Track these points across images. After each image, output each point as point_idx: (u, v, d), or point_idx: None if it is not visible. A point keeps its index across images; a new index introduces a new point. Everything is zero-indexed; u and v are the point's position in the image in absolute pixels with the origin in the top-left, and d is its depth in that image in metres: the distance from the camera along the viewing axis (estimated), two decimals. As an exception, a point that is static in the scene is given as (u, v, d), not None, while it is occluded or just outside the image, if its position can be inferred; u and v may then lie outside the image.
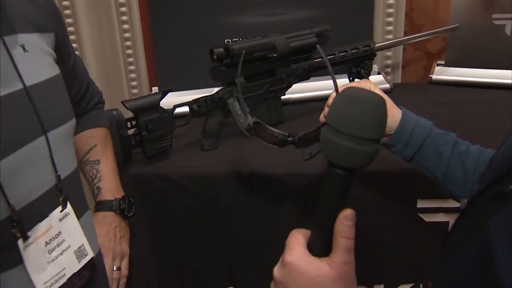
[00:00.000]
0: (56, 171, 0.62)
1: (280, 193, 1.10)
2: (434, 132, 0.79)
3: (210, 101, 1.16)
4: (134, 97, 1.12)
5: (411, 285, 1.17)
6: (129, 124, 1.09)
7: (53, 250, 0.61)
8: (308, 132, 0.66)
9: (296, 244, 0.48)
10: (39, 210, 0.60)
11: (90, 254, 0.68)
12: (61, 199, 0.63)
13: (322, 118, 0.87)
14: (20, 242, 0.56)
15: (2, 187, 0.54)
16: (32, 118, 0.60)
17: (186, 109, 1.15)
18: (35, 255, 0.58)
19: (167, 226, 1.14)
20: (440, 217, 1.08)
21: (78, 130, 0.92)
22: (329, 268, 0.45)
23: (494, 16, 1.48)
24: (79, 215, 0.68)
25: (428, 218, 1.08)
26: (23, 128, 0.59)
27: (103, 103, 1.05)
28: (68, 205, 0.65)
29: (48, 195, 0.61)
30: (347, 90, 0.44)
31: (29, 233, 0.58)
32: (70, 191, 0.66)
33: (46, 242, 0.60)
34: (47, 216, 0.61)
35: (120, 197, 0.94)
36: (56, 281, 0.61)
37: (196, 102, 1.15)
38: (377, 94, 0.44)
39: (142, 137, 1.09)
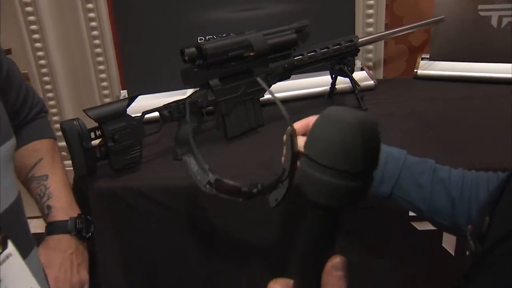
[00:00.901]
0: None
1: (264, 203, 1.01)
2: (409, 162, 0.71)
3: (182, 106, 1.07)
4: (98, 105, 1.01)
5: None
6: (93, 135, 0.98)
7: None
8: (273, 180, 0.56)
9: None
10: None
11: None
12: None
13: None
14: None
15: None
16: None
17: (156, 114, 1.06)
18: None
19: (139, 245, 1.05)
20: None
21: (20, 143, 0.84)
22: None
23: (479, 7, 1.42)
24: (24, 254, 0.58)
25: (420, 226, 1.01)
26: None
27: (46, 112, 0.97)
28: (10, 244, 0.55)
29: None
30: (331, 110, 0.37)
31: None
32: (12, 225, 0.57)
33: None
34: None
35: (76, 215, 0.85)
36: None
37: (167, 108, 1.05)
38: (368, 115, 0.36)
39: (108, 148, 0.99)
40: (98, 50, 1.56)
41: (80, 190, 1.02)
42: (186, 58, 1.05)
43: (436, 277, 1.05)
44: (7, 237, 0.55)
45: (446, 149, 1.05)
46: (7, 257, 0.55)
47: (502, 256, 0.37)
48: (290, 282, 0.43)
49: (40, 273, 0.63)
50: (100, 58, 1.58)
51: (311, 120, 0.66)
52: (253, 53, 1.10)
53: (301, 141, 0.60)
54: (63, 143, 0.96)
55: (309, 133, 0.37)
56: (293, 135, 0.53)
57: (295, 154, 0.53)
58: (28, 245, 0.61)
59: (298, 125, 0.67)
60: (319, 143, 0.35)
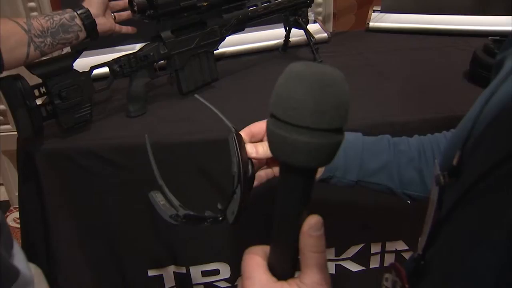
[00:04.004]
0: None
1: (221, 160, 0.99)
2: (367, 144, 0.68)
3: (133, 60, 1.01)
4: (42, 59, 0.92)
5: (362, 245, 1.13)
6: (37, 92, 0.91)
7: None
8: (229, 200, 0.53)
9: (256, 269, 0.40)
10: None
11: None
12: None
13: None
14: None
15: None
16: None
17: (105, 70, 1.00)
18: None
19: (94, 208, 1.00)
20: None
21: None
22: None
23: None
24: None
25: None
26: None
27: None
28: None
29: None
30: (296, 67, 0.34)
31: None
32: None
33: None
34: None
35: None
36: None
37: (117, 62, 0.99)
38: (335, 69, 0.34)
39: (55, 106, 0.92)
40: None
41: (26, 153, 0.96)
42: (135, 8, 0.98)
43: (394, 223, 1.08)
44: None
45: (402, 99, 1.06)
46: None
47: (489, 187, 0.37)
48: (266, 248, 0.41)
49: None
50: (32, 4, 1.46)
51: (254, 126, 0.60)
52: (206, 3, 1.04)
53: (248, 148, 0.57)
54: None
55: (276, 93, 0.34)
56: (239, 140, 0.51)
57: (244, 160, 0.51)
58: None
59: (243, 133, 0.59)
60: (289, 103, 0.33)
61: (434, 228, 0.47)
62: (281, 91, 0.34)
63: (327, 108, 0.32)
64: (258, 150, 0.58)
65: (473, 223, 0.40)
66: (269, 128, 0.35)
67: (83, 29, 0.95)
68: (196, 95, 0.48)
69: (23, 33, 0.88)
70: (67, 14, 0.94)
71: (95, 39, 0.99)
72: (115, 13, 1.07)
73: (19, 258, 0.74)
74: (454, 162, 0.45)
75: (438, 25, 1.41)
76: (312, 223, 0.38)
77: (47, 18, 0.91)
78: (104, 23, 1.01)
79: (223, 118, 0.48)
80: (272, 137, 0.35)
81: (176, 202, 0.58)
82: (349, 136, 0.69)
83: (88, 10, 0.96)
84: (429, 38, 1.39)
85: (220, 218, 0.54)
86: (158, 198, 0.60)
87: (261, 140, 0.61)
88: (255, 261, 0.40)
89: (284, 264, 0.40)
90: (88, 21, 0.96)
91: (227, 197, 0.52)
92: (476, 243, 0.37)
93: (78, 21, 0.94)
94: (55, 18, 0.92)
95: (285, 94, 0.33)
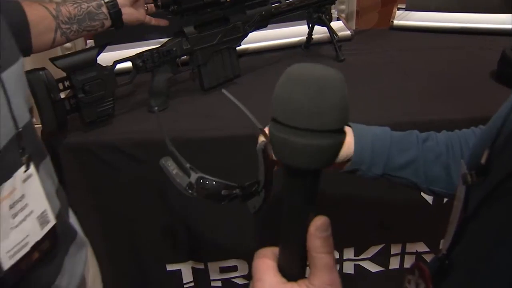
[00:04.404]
0: (15, 120, 0.56)
1: (243, 156, 0.98)
2: (395, 139, 0.68)
3: (156, 55, 1.01)
4: (66, 53, 0.93)
5: (381, 246, 1.11)
6: (61, 86, 0.92)
7: (16, 215, 0.56)
8: (250, 188, 0.53)
9: (266, 271, 0.40)
10: (2, 167, 0.55)
11: (52, 222, 0.61)
12: (24, 158, 0.56)
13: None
14: None
15: None
16: None
17: (128, 65, 1.00)
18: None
19: (115, 202, 1.01)
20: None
21: None
22: None
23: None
24: (37, 168, 0.60)
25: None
26: None
27: None
28: (32, 166, 0.58)
29: (10, 149, 0.55)
30: (293, 69, 0.34)
31: None
32: (29, 142, 0.59)
33: (10, 205, 0.55)
34: (11, 176, 0.55)
35: None
36: (19, 249, 0.56)
37: (140, 57, 1.00)
38: (333, 70, 0.34)
39: (79, 100, 0.93)
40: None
41: (50, 146, 0.97)
42: (159, 3, 0.99)
43: (415, 224, 1.07)
44: (31, 159, 0.57)
45: (426, 98, 1.04)
46: (29, 176, 0.57)
47: None
48: (276, 250, 0.41)
49: (48, 185, 0.64)
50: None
51: None
52: (229, -1, 1.04)
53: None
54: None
55: (275, 96, 0.34)
56: (266, 148, 0.51)
57: (270, 168, 0.51)
58: (40, 157, 0.63)
59: None
60: (288, 105, 0.33)
61: (460, 227, 0.46)
62: (280, 93, 0.34)
63: (325, 110, 0.32)
64: None
65: (499, 221, 0.39)
66: (270, 131, 0.35)
67: (108, 17, 0.96)
68: (223, 90, 0.48)
69: (51, 19, 0.90)
70: (94, 2, 0.95)
71: (119, 28, 1.00)
72: (148, 4, 1.07)
73: (74, 221, 0.78)
74: (483, 160, 0.44)
75: (464, 23, 1.38)
76: (318, 224, 0.37)
77: (75, 5, 0.93)
78: (130, 13, 1.01)
79: (250, 116, 0.48)
80: (273, 140, 0.35)
81: (186, 164, 0.58)
82: (376, 130, 0.68)
83: (115, 0, 0.97)
84: (455, 37, 1.36)
85: (235, 192, 0.53)
86: (170, 166, 0.60)
87: None
88: (265, 263, 0.40)
89: (294, 265, 0.40)
90: (114, 10, 0.96)
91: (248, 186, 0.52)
92: (502, 242, 0.37)
93: (104, 9, 0.96)
94: (82, 6, 0.94)
95: (284, 97, 0.33)
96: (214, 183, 0.48)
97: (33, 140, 0.63)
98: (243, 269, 1.12)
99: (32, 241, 0.58)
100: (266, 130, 0.43)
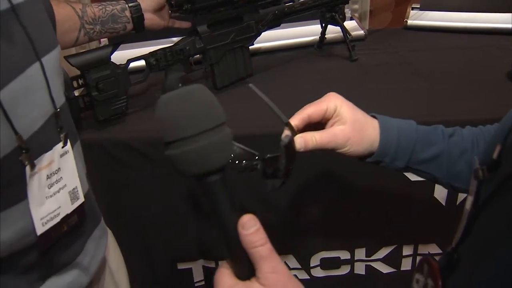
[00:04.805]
0: (53, 101, 0.59)
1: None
2: (421, 132, 0.67)
3: (169, 54, 1.01)
4: (81, 51, 0.94)
5: (393, 247, 1.11)
6: (75, 84, 0.93)
7: (52, 186, 0.59)
8: (273, 157, 0.55)
9: (221, 277, 0.43)
10: (42, 141, 0.58)
11: (81, 199, 0.65)
12: (62, 135, 0.60)
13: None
14: (27, 169, 0.54)
15: (9, 117, 0.51)
16: (24, 42, 0.55)
17: (142, 63, 1.01)
18: (37, 187, 0.56)
19: (126, 202, 1.02)
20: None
21: None
22: (260, 285, 0.41)
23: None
24: (72, 148, 0.63)
25: (413, 177, 1.00)
26: (17, 52, 0.54)
27: None
28: (69, 143, 0.61)
29: (48, 127, 0.59)
30: (162, 99, 0.40)
31: (35, 161, 0.55)
32: (65, 122, 0.61)
33: (47, 175, 0.58)
34: (50, 149, 0.59)
35: None
36: (52, 218, 0.59)
37: (154, 55, 1.00)
38: (194, 85, 0.40)
39: (92, 98, 0.93)
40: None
41: (63, 142, 0.98)
42: (173, 2, 0.99)
43: (427, 226, 1.06)
44: (68, 136, 0.60)
45: (439, 99, 1.03)
46: (66, 152, 0.60)
47: None
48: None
49: (80, 167, 0.66)
50: None
51: (309, 108, 0.61)
52: (243, -2, 1.04)
53: (297, 143, 0.58)
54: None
55: (158, 126, 0.39)
56: (291, 141, 0.56)
57: (292, 159, 0.56)
58: (73, 140, 0.65)
59: (296, 119, 0.61)
60: (166, 126, 0.38)
61: (469, 222, 0.47)
62: (158, 119, 0.39)
63: (191, 115, 0.38)
64: (308, 144, 0.59)
65: (505, 215, 0.39)
66: (166, 155, 0.39)
67: (131, 21, 0.98)
68: (251, 85, 0.52)
69: (77, 19, 0.92)
70: (119, 6, 0.97)
71: (140, 32, 1.02)
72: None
73: (98, 208, 0.80)
74: (494, 155, 0.45)
75: (479, 23, 1.37)
76: (244, 222, 0.40)
77: (100, 7, 0.95)
78: (151, 18, 1.02)
79: (277, 110, 0.52)
80: (176, 159, 0.38)
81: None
82: (402, 123, 0.67)
83: (139, 4, 0.99)
84: (469, 37, 1.35)
85: (255, 163, 0.55)
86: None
87: (320, 122, 0.61)
88: (221, 272, 0.43)
89: (241, 266, 0.42)
90: (137, 15, 0.98)
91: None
92: (509, 234, 0.38)
93: (127, 13, 0.98)
94: (107, 8, 0.96)
95: (161, 121, 0.39)
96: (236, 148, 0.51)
97: (69, 121, 0.66)
98: (253, 268, 1.12)
99: (62, 213, 0.61)
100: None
